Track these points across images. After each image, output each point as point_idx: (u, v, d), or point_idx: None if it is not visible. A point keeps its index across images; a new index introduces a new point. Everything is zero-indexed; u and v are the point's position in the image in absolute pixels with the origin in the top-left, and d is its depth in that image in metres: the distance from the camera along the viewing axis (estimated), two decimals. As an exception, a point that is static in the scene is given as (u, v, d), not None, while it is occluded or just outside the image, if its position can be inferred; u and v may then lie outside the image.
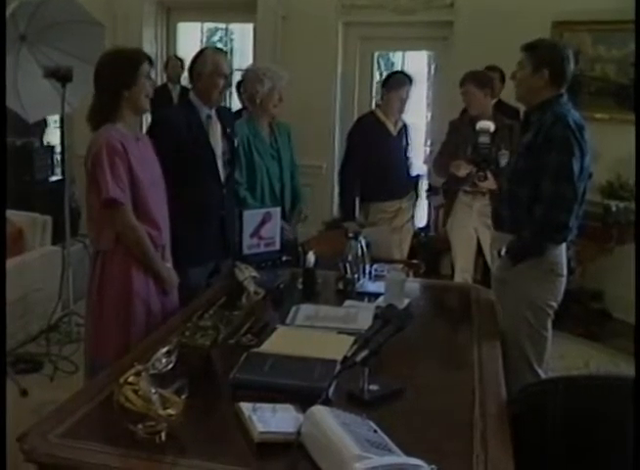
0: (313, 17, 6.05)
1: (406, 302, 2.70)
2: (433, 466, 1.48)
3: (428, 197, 6.11)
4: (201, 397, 1.92)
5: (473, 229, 4.12)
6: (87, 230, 2.63)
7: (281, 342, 2.29)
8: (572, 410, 1.79)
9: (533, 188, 2.40)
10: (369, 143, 4.09)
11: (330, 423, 1.55)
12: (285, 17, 6.14)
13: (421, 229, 6.04)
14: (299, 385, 1.88)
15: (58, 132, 5.32)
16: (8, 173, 5.45)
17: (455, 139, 4.05)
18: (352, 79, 6.29)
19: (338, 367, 1.91)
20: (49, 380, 3.78)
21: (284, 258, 3.06)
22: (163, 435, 1.68)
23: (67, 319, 4.24)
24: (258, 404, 1.76)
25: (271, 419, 1.69)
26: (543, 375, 2.54)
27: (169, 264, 2.73)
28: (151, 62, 2.63)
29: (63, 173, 4.38)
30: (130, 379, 1.69)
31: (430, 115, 6.28)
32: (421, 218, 6.06)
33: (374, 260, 3.10)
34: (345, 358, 1.87)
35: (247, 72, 3.73)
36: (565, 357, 4.10)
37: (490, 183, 3.67)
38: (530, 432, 1.87)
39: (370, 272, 2.91)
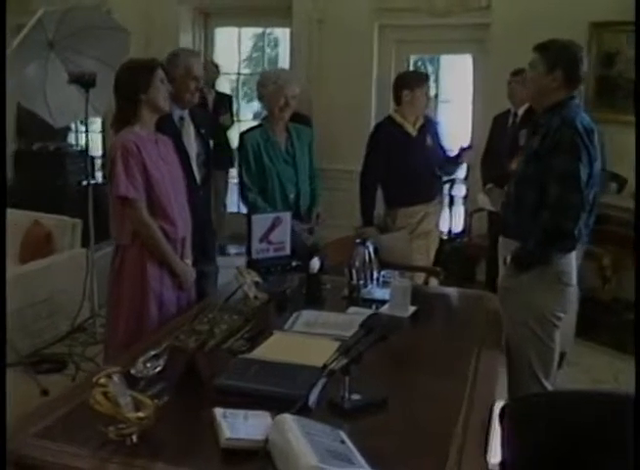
0: (348, 20, 6.03)
1: (412, 309, 2.64)
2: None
3: (464, 203, 6.02)
4: (182, 401, 1.92)
5: None
6: (110, 226, 2.78)
7: (273, 348, 2.26)
8: (556, 425, 1.71)
9: (539, 193, 2.32)
10: (388, 148, 4.02)
11: (293, 432, 1.51)
12: (320, 21, 6.12)
13: (456, 235, 5.94)
14: (280, 392, 1.85)
15: (93, 137, 5.44)
16: (41, 177, 5.65)
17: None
18: (388, 83, 6.18)
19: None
20: (71, 380, 3.83)
21: (294, 264, 3.03)
22: (135, 437, 1.68)
23: (92, 321, 4.31)
24: (231, 410, 1.74)
25: (241, 426, 1.67)
26: (550, 388, 2.45)
27: (189, 260, 2.84)
28: (165, 70, 2.77)
29: (86, 177, 4.44)
30: (101, 381, 1.69)
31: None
32: (457, 224, 5.97)
33: (388, 266, 3.05)
34: (325, 366, 1.83)
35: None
36: (592, 370, 3.95)
37: None
38: (517, 445, 1.81)
39: (378, 279, 2.85)
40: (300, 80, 3.55)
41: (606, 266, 4.31)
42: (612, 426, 1.71)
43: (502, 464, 1.85)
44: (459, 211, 6.07)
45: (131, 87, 2.64)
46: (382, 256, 3.50)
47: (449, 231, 5.88)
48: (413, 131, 4.10)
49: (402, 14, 5.90)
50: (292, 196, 3.56)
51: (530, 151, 2.44)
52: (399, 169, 4.00)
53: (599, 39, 4.85)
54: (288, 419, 1.57)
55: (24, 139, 5.78)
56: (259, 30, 7.16)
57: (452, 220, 5.91)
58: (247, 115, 7.49)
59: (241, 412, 1.73)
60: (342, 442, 1.57)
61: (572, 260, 2.42)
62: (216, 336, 2.32)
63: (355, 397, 1.87)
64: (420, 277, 3.82)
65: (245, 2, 6.37)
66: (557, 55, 2.45)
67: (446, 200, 5.58)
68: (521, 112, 4.44)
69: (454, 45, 6.00)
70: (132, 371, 2.02)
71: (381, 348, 2.28)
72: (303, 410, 1.78)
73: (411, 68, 6.21)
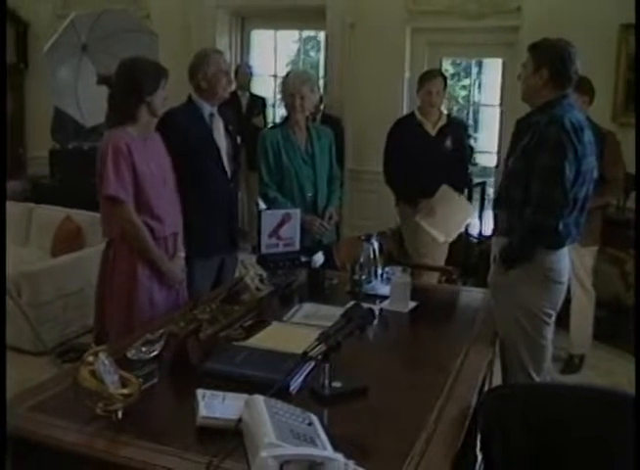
0: (381, 23, 6.08)
1: (412, 305, 2.70)
2: (349, 462, 1.48)
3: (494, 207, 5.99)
4: (170, 382, 2.02)
5: None
6: (101, 221, 2.82)
7: (267, 337, 2.33)
8: (530, 415, 1.75)
9: (525, 190, 2.33)
10: (404, 144, 4.08)
11: (260, 411, 1.58)
12: (353, 24, 6.19)
13: (487, 237, 5.92)
14: (262, 376, 1.92)
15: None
16: (75, 175, 5.84)
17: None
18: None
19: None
20: (93, 370, 3.97)
21: (303, 259, 3.10)
22: (120, 413, 1.77)
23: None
24: (213, 392, 1.82)
25: (217, 406, 1.75)
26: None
27: (182, 253, 2.91)
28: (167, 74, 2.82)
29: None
30: (89, 359, 1.79)
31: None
32: (488, 227, 5.95)
33: (403, 263, 3.10)
34: (305, 353, 1.89)
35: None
36: (611, 375, 3.92)
37: None
38: (494, 435, 1.84)
39: (382, 275, 2.90)
40: (312, 82, 3.59)
41: (629, 272, 4.25)
42: (589, 419, 1.73)
43: (483, 455, 1.89)
44: (490, 214, 6.05)
45: (140, 87, 2.69)
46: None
47: (480, 234, 5.86)
48: (432, 131, 4.14)
49: (434, 17, 5.93)
50: (309, 195, 3.61)
51: (519, 149, 2.46)
52: (414, 165, 4.04)
53: (629, 41, 4.78)
54: (258, 400, 1.63)
55: (60, 138, 5.99)
56: (304, 34, 7.26)
57: (482, 223, 5.90)
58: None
59: (221, 394, 1.80)
60: (310, 424, 1.62)
61: (562, 258, 2.42)
62: (215, 324, 2.43)
63: (336, 384, 1.92)
64: (433, 276, 3.86)
65: (281, 5, 6.48)
66: (543, 54, 2.47)
67: (477, 203, 5.59)
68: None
69: (486, 48, 6.00)
70: (128, 354, 2.14)
71: (371, 340, 2.37)
72: (284, 395, 1.86)
73: (449, 70, 6.25)
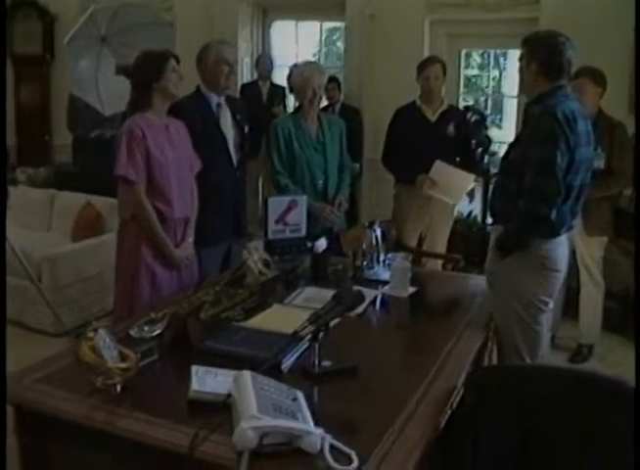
0: (400, 15, 6.10)
1: (412, 290, 2.76)
2: (325, 435, 1.56)
3: (492, 196, 5.99)
4: (170, 359, 2.11)
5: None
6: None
7: (267, 318, 2.42)
8: (509, 398, 1.81)
9: (519, 180, 2.38)
10: (404, 130, 4.15)
11: (246, 386, 1.66)
12: (372, 15, 6.21)
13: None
14: (256, 355, 2.00)
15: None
16: (97, 163, 5.96)
17: None
18: (438, 77, 6.26)
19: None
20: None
21: (309, 245, 3.17)
22: (119, 387, 1.87)
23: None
24: (207, 368, 1.90)
25: (209, 381, 1.83)
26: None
27: (191, 239, 3.02)
28: (177, 59, 2.95)
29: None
30: (90, 335, 1.89)
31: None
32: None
33: (408, 250, 3.15)
34: (295, 333, 1.97)
35: (288, 71, 3.89)
36: (620, 365, 3.92)
37: None
38: (479, 416, 1.90)
39: (384, 261, 2.97)
40: (325, 71, 3.67)
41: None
42: (568, 401, 1.78)
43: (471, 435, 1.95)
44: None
45: (145, 75, 2.85)
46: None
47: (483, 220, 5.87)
48: (432, 117, 4.20)
49: (453, 8, 5.93)
50: (320, 183, 3.67)
51: (515, 139, 2.50)
52: (411, 150, 4.10)
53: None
54: (246, 375, 1.71)
55: (82, 128, 6.14)
56: (330, 25, 7.30)
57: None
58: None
59: (214, 370, 1.89)
60: (294, 399, 1.70)
61: (559, 246, 2.46)
62: (217, 306, 2.52)
63: (326, 363, 2.00)
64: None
65: (302, -4, 6.55)
66: (533, 47, 2.50)
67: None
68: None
69: (505, 40, 5.97)
70: (131, 332, 2.24)
71: (368, 323, 2.45)
72: (275, 372, 1.94)
73: (477, 61, 6.26)
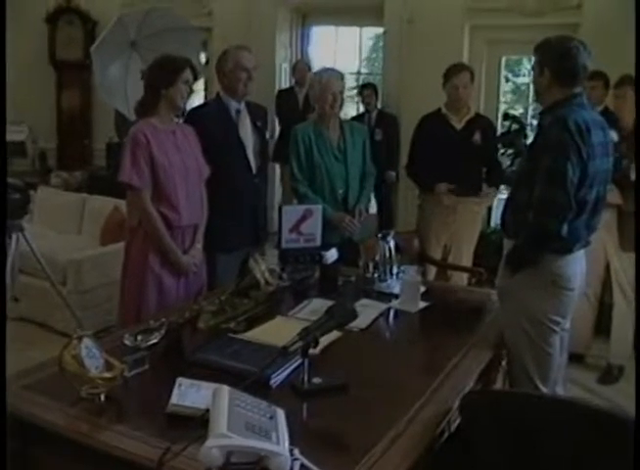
0: (439, 20, 6.00)
1: (422, 305, 2.67)
2: (299, 456, 1.50)
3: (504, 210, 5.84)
4: (159, 370, 2.06)
5: (601, 243, 3.76)
6: None
7: (266, 331, 2.36)
8: (498, 422, 1.71)
9: (529, 193, 2.26)
10: (429, 138, 4.05)
11: (221, 402, 1.60)
12: (410, 20, 6.13)
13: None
14: (245, 369, 1.95)
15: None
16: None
17: None
18: (477, 84, 6.12)
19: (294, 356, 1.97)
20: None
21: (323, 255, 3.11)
22: (103, 397, 1.84)
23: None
24: (192, 381, 1.86)
25: (191, 394, 1.79)
26: (547, 394, 2.38)
27: (200, 245, 2.99)
28: (194, 71, 2.91)
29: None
30: (73, 343, 1.86)
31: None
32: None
33: (431, 262, 3.06)
34: (284, 348, 1.91)
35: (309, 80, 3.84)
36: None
37: (615, 197, 3.52)
38: (470, 438, 1.82)
39: (397, 273, 2.88)
40: (344, 76, 3.60)
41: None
42: (556, 430, 1.67)
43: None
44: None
45: (156, 81, 2.82)
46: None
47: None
48: (458, 125, 4.09)
49: (493, 14, 5.80)
50: (340, 192, 3.59)
51: (527, 150, 2.39)
52: (437, 158, 4.02)
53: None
54: (223, 390, 1.66)
55: (118, 133, 6.21)
56: (380, 30, 7.23)
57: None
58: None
59: (198, 383, 1.85)
60: (271, 418, 1.63)
61: (572, 263, 2.33)
62: (219, 316, 2.48)
63: (316, 380, 1.94)
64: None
65: (341, 1, 6.49)
66: (544, 54, 2.39)
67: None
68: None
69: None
70: (125, 341, 2.21)
71: (370, 339, 2.37)
72: (263, 388, 1.89)
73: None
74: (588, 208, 2.29)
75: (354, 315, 2.00)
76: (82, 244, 4.78)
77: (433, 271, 4.19)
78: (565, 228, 2.20)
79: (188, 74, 2.86)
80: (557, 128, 2.22)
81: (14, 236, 3.39)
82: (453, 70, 4.11)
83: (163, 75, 2.83)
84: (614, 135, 3.42)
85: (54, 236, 4.93)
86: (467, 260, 4.16)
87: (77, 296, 4.25)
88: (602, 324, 4.07)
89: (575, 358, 4.08)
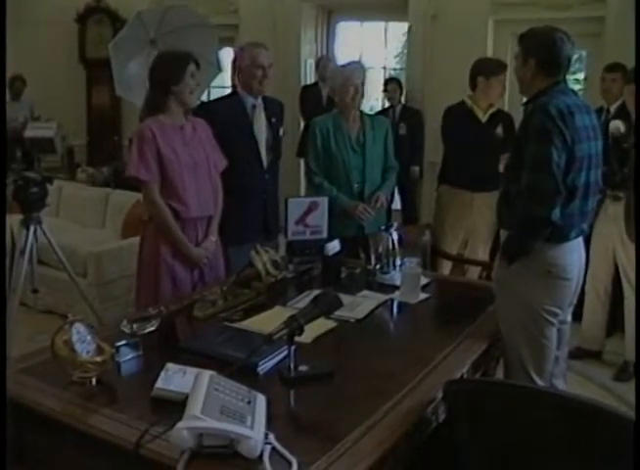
0: (463, 15, 5.97)
1: (423, 296, 2.67)
2: (272, 440, 1.53)
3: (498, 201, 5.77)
4: (152, 356, 2.11)
5: (608, 236, 3.79)
6: None
7: (262, 320, 2.39)
8: (478, 410, 1.72)
9: (519, 182, 2.24)
10: (455, 129, 4.02)
11: (200, 386, 1.63)
12: (434, 15, 6.12)
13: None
14: (232, 355, 1.98)
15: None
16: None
17: None
18: (502, 78, 6.07)
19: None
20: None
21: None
22: (94, 381, 1.90)
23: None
24: (180, 366, 1.90)
25: (175, 379, 1.83)
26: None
27: (214, 237, 3.03)
28: (197, 63, 2.93)
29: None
30: (64, 328, 1.92)
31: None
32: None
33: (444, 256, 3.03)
34: (270, 336, 1.94)
35: (329, 73, 3.85)
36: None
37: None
38: (456, 429, 1.82)
39: (400, 265, 2.88)
40: (364, 70, 3.62)
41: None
42: (538, 423, 1.67)
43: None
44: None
45: (164, 78, 2.85)
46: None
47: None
48: (483, 117, 4.06)
49: (519, 8, 5.76)
50: (356, 185, 3.58)
51: (513, 141, 2.38)
52: (462, 150, 3.99)
53: None
54: (204, 375, 1.69)
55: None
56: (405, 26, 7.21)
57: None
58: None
59: (184, 368, 1.88)
60: (249, 402, 1.66)
61: (568, 252, 2.30)
62: (217, 305, 2.52)
63: (303, 368, 1.96)
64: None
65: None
66: (529, 44, 2.36)
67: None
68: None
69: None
70: (122, 328, 2.27)
71: (365, 329, 2.38)
72: (251, 375, 1.92)
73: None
74: (579, 193, 2.27)
75: (339, 303, 2.02)
76: (105, 237, 4.88)
77: (448, 266, 4.18)
78: (556, 213, 2.18)
79: (193, 67, 2.90)
80: (538, 115, 2.21)
81: (31, 228, 3.47)
82: (492, 69, 4.02)
83: (170, 71, 2.86)
84: (621, 126, 3.38)
85: (78, 229, 5.04)
86: (483, 255, 4.12)
87: (97, 288, 4.35)
88: (617, 320, 4.00)
89: (593, 355, 4.03)
